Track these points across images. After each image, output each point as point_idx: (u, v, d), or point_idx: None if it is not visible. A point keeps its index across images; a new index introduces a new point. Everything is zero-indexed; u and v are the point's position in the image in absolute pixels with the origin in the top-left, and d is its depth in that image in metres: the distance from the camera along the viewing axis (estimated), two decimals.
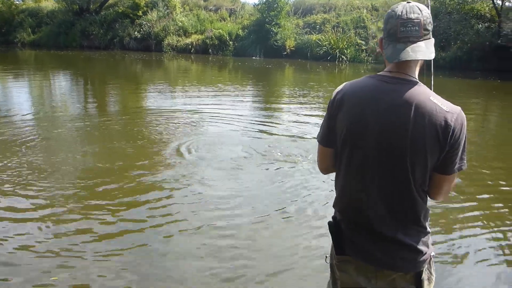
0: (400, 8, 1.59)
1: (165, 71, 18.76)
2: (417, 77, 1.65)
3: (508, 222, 4.34)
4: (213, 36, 23.82)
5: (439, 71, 17.68)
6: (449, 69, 18.18)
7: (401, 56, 1.55)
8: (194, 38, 24.41)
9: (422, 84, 1.61)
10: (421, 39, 1.57)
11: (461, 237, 3.98)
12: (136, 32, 25.46)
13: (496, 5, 19.18)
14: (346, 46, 21.09)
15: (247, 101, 11.10)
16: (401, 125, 1.54)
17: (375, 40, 21.13)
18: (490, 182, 5.48)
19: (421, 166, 1.56)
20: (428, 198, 1.68)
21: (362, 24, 22.20)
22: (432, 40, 1.62)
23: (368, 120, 1.59)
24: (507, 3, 19.75)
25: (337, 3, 24.22)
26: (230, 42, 23.70)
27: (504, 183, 5.45)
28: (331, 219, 1.80)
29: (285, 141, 6.95)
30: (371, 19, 22.47)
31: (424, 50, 1.56)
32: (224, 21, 25.44)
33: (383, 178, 1.61)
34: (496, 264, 3.56)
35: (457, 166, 1.59)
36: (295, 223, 4.12)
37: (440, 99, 1.57)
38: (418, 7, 1.59)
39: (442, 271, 3.37)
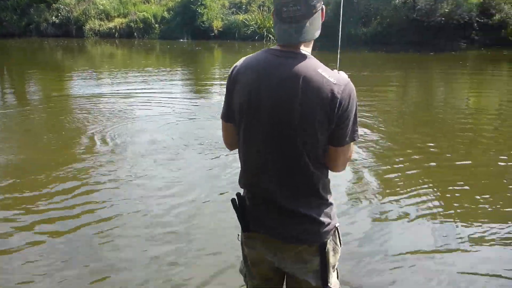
0: None
1: (89, 57, 18.02)
2: (310, 49, 1.64)
3: (439, 179, 4.78)
4: (137, 19, 23.09)
5: (362, 46, 18.50)
6: (371, 44, 19.02)
7: (284, 38, 1.54)
8: (118, 22, 23.53)
9: (312, 57, 1.58)
10: (306, 18, 1.52)
11: (398, 195, 4.32)
12: (53, 17, 24.07)
13: None
14: (272, 25, 21.27)
15: (178, 85, 11.00)
16: (289, 99, 1.52)
17: None
18: (419, 145, 5.95)
19: (312, 140, 1.54)
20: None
21: None
22: (318, 14, 1.56)
23: (261, 95, 1.56)
24: None
25: None
26: (156, 25, 23.12)
27: (432, 144, 5.97)
28: (234, 196, 1.77)
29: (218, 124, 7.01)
30: None
31: (309, 30, 1.53)
32: (148, 3, 24.71)
33: (278, 152, 1.59)
34: (430, 219, 3.91)
35: (348, 137, 1.58)
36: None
37: (328, 71, 1.54)
38: None
39: (379, 229, 3.74)
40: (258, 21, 21.36)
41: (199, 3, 22.07)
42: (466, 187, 4.64)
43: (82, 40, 22.56)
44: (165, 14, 23.33)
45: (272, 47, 1.63)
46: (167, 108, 8.01)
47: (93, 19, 23.57)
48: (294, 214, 1.63)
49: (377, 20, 20.02)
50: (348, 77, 1.58)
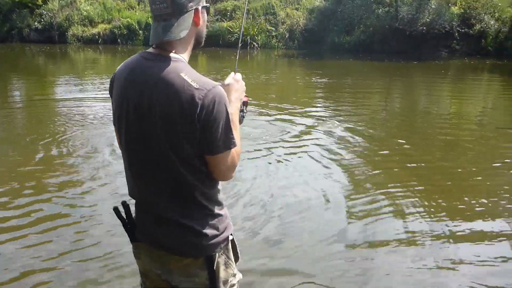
0: None
1: (71, 63, 17.83)
2: (187, 51, 1.58)
3: (417, 179, 4.93)
4: (121, 26, 22.95)
5: (346, 55, 18.67)
6: (354, 52, 19.22)
7: (152, 37, 1.49)
8: (101, 28, 23.36)
9: (181, 60, 1.53)
10: (173, 16, 1.47)
11: (369, 192, 4.36)
12: (36, 23, 23.78)
13: None
14: (257, 32, 21.38)
15: None
16: (150, 106, 1.46)
17: (284, 26, 21.65)
18: (396, 147, 6.06)
19: (180, 148, 1.47)
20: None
21: (272, 11, 22.59)
22: (190, 15, 1.51)
23: (129, 101, 1.51)
24: None
25: None
26: (140, 31, 23.00)
27: (409, 146, 6.18)
28: (119, 204, 1.72)
29: None
30: (281, 5, 22.93)
31: (174, 29, 1.47)
32: (133, 9, 24.59)
33: (150, 162, 1.53)
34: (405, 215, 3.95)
35: (222, 145, 1.50)
36: None
37: (194, 75, 1.48)
38: None
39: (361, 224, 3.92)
40: (243, 28, 21.40)
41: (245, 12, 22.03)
42: (429, 187, 4.89)
43: (65, 46, 22.32)
44: (150, 20, 23.17)
45: (148, 50, 1.57)
46: None
47: (76, 25, 23.36)
48: (175, 225, 1.57)
49: (360, 29, 20.25)
50: (241, 78, 1.60)
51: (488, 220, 4.13)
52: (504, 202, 4.50)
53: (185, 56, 1.57)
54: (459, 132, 7.30)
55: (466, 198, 4.57)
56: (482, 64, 16.85)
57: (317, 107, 9.17)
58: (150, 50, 1.56)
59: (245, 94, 1.82)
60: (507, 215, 4.22)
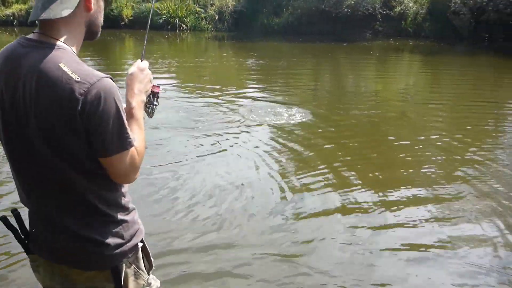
0: None
1: None
2: (74, 35, 1.39)
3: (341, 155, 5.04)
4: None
5: (276, 36, 18.88)
6: (283, 34, 19.45)
7: (31, 15, 1.30)
8: (16, 9, 21.72)
9: (63, 47, 1.32)
10: None
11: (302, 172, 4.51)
12: None
13: None
14: (185, 14, 20.97)
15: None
16: (25, 102, 1.27)
17: (213, 8, 21.41)
18: (328, 126, 6.24)
19: (64, 150, 1.30)
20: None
21: None
22: None
23: (3, 96, 1.32)
24: None
25: None
26: None
27: (341, 123, 6.36)
28: (10, 213, 1.53)
29: None
30: None
31: (55, 6, 1.28)
32: None
33: (33, 165, 1.35)
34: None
35: (116, 146, 1.33)
36: None
37: (75, 66, 1.28)
38: None
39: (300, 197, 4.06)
40: (171, 10, 20.89)
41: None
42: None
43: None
44: None
45: (29, 35, 1.38)
46: None
47: None
48: (73, 236, 1.40)
49: (288, 11, 20.51)
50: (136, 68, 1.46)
51: (414, 188, 4.47)
52: (427, 171, 4.87)
53: (71, 45, 1.36)
54: (386, 108, 7.71)
55: (396, 170, 4.90)
56: (403, 45, 17.78)
57: (250, 88, 9.26)
58: (30, 35, 1.37)
59: (156, 84, 1.67)
60: (431, 182, 4.58)
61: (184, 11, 20.96)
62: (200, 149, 5.39)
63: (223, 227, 3.64)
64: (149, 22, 2.16)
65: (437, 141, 5.80)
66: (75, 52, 1.37)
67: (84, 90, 1.23)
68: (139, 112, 1.50)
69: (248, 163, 4.97)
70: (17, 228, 1.51)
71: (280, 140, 5.77)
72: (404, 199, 4.26)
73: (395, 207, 4.07)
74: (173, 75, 11.03)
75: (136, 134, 1.44)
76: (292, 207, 4.03)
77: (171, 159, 5.03)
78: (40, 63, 1.26)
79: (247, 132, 6.04)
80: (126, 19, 21.33)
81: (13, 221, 1.51)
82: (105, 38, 18.20)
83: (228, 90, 8.71)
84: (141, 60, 1.60)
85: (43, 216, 1.44)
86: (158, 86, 1.68)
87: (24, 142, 1.33)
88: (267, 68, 11.98)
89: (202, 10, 21.52)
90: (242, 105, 7.49)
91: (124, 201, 1.49)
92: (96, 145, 1.30)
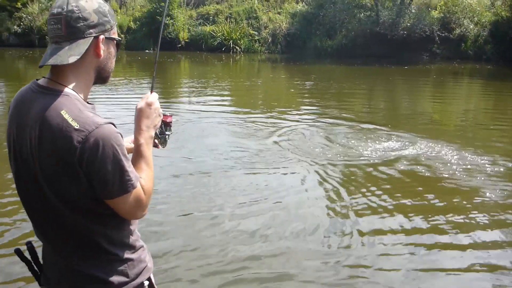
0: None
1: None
2: (82, 84, 1.41)
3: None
4: None
5: (330, 59, 18.78)
6: (337, 56, 19.33)
7: (41, 61, 1.34)
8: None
9: (68, 93, 1.35)
10: (66, 40, 1.33)
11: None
12: (15, 26, 23.33)
13: None
14: (239, 36, 21.35)
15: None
16: (32, 146, 1.32)
17: (267, 30, 21.67)
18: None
19: (69, 194, 1.33)
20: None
21: (254, 15, 22.60)
22: (86, 42, 1.34)
23: (13, 138, 1.38)
24: None
25: None
26: (122, 35, 22.74)
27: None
28: (24, 246, 1.55)
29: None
30: (263, 9, 22.97)
31: (63, 53, 1.31)
32: (115, 13, 24.22)
33: (39, 206, 1.39)
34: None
35: (118, 189, 1.34)
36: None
37: (77, 113, 1.30)
38: (90, 0, 1.36)
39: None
40: (225, 32, 21.37)
41: (166, 14, 21.90)
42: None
43: (45, 50, 21.87)
44: (132, 24, 23.02)
45: (41, 79, 1.42)
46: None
47: None
48: (79, 273, 1.42)
49: (342, 33, 20.38)
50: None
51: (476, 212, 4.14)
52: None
53: (79, 90, 1.39)
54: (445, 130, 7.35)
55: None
56: (462, 68, 17.12)
57: (303, 110, 9.15)
58: (41, 80, 1.40)
59: (168, 114, 1.68)
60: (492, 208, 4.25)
61: (238, 34, 21.35)
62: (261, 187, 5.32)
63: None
64: (158, 51, 2.12)
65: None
66: (83, 97, 1.40)
67: (82, 138, 1.26)
68: (147, 149, 1.51)
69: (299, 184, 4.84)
70: (31, 260, 1.53)
71: (326, 163, 5.58)
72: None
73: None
74: (227, 97, 11.15)
75: (144, 172, 1.46)
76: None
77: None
78: (44, 110, 1.30)
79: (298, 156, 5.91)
80: (183, 41, 22.02)
81: (23, 255, 1.55)
82: (163, 60, 18.84)
83: (281, 112, 8.65)
84: (151, 92, 1.59)
85: (52, 251, 1.47)
86: (170, 116, 1.69)
87: (31, 185, 1.36)
88: (320, 90, 11.87)
89: (255, 32, 21.85)
90: (293, 125, 7.39)
91: (131, 239, 1.50)
92: (99, 189, 1.33)
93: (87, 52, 1.35)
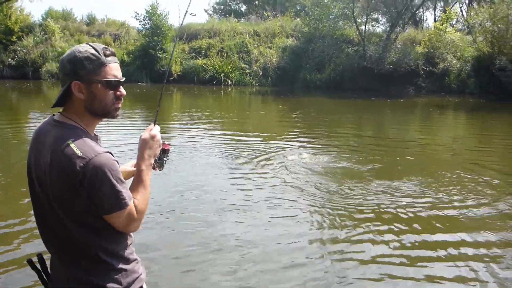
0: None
1: (45, 99, 17.74)
2: (83, 118, 1.68)
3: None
4: None
5: (317, 91, 19.26)
6: (326, 89, 19.86)
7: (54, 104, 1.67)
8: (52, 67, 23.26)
9: (74, 126, 1.64)
10: (63, 84, 1.64)
11: None
12: (10, 59, 23.71)
13: (360, 31, 21.45)
14: (230, 70, 21.87)
15: (137, 128, 11.02)
16: (44, 170, 1.59)
17: (258, 63, 22.24)
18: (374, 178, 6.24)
19: (72, 210, 1.59)
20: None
21: (246, 49, 23.22)
22: (65, 87, 1.62)
23: (32, 162, 1.67)
24: (370, 27, 22.30)
25: (221, 29, 25.07)
26: None
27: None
28: (35, 257, 1.81)
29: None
30: (254, 43, 23.62)
31: (57, 97, 1.64)
32: (109, 46, 24.74)
33: (47, 220, 1.66)
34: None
35: (113, 206, 1.60)
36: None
37: (79, 143, 1.57)
38: (72, 50, 1.64)
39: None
40: (217, 66, 21.88)
41: (158, 48, 22.44)
42: None
43: (38, 83, 22.21)
44: (125, 57, 23.48)
45: (59, 113, 1.71)
46: (125, 147, 8.02)
47: (50, 61, 23.38)
48: (79, 280, 1.66)
49: (331, 67, 20.99)
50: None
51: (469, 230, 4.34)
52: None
53: (84, 124, 1.67)
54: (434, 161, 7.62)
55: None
56: (446, 101, 17.65)
57: (292, 141, 9.42)
58: (57, 115, 1.70)
59: (167, 142, 1.95)
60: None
61: (229, 67, 21.87)
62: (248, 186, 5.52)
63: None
64: (163, 87, 2.39)
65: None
66: (88, 129, 1.69)
67: (83, 164, 1.53)
68: (147, 174, 1.77)
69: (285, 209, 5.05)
70: (40, 270, 1.78)
71: (315, 190, 5.79)
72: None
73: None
74: (217, 127, 11.43)
75: (140, 194, 1.72)
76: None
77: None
78: (55, 140, 1.59)
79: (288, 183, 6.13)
80: (175, 74, 22.46)
81: (34, 265, 1.79)
82: (156, 92, 19.20)
83: (271, 143, 8.91)
84: (154, 125, 1.87)
85: (57, 261, 1.72)
86: (168, 144, 1.96)
87: (45, 203, 1.63)
88: (309, 122, 12.21)
89: (247, 66, 22.40)
90: (283, 156, 7.64)
91: (126, 252, 1.75)
92: (98, 206, 1.59)
93: (72, 95, 1.64)
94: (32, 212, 1.78)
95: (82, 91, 1.63)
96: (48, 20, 25.09)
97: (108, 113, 1.72)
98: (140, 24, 23.75)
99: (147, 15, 22.94)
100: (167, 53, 22.57)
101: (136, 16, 23.49)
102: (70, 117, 1.66)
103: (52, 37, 24.43)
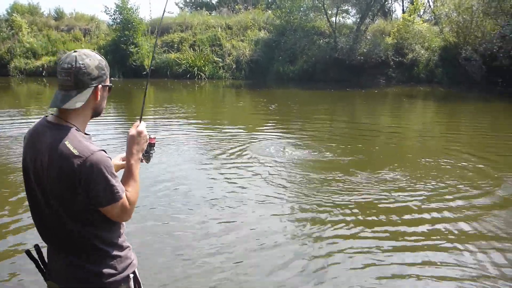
0: (64, 56, 1.79)
1: (14, 96, 17.40)
2: (81, 117, 1.82)
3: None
4: None
5: (291, 83, 19.47)
6: (298, 81, 20.07)
7: (52, 102, 1.75)
8: (46, 60, 22.88)
9: (71, 127, 1.76)
10: (74, 89, 1.74)
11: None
12: None
13: (331, 22, 21.72)
14: (204, 63, 21.81)
15: (113, 123, 10.98)
16: (43, 169, 1.73)
17: (230, 57, 22.27)
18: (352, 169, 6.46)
19: (69, 204, 1.73)
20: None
21: (218, 42, 23.17)
22: (89, 91, 1.76)
23: (28, 160, 1.79)
24: (340, 19, 22.62)
25: (193, 22, 24.87)
26: None
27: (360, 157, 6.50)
28: (32, 247, 1.97)
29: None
30: (226, 37, 23.60)
31: (72, 99, 1.72)
32: (79, 41, 24.32)
33: (47, 212, 1.79)
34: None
35: (108, 199, 1.75)
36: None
37: (76, 143, 1.71)
38: (77, 57, 1.74)
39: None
40: (190, 60, 21.80)
41: (129, 43, 22.18)
42: None
43: (6, 79, 21.67)
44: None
45: (51, 115, 1.84)
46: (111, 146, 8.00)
47: (18, 57, 22.83)
48: (77, 267, 1.81)
49: (303, 59, 21.20)
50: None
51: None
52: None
53: (78, 124, 1.80)
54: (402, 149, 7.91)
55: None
56: (416, 91, 18.15)
57: (267, 131, 9.59)
58: (50, 117, 1.82)
59: (153, 136, 2.10)
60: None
61: (202, 61, 21.82)
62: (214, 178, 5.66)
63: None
64: (147, 84, 2.50)
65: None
66: (81, 130, 1.80)
67: (80, 162, 1.67)
68: (136, 168, 1.93)
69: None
70: (38, 259, 1.93)
71: (289, 181, 5.99)
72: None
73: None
74: (192, 120, 11.49)
75: (131, 187, 1.87)
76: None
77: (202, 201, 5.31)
78: (53, 140, 1.71)
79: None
80: (148, 69, 22.22)
81: (32, 255, 1.94)
82: (128, 87, 19.04)
83: (246, 134, 9.05)
84: (140, 121, 2.01)
85: (54, 253, 1.87)
86: (154, 138, 2.11)
87: (41, 197, 1.78)
88: (283, 113, 12.41)
89: (220, 59, 22.38)
90: (256, 146, 7.79)
91: (119, 240, 1.90)
92: (93, 200, 1.73)
93: (88, 97, 1.78)
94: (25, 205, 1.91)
95: (100, 94, 1.81)
96: (14, 15, 24.39)
97: (101, 112, 1.92)
98: (110, 18, 23.38)
99: (117, 9, 22.59)
100: (139, 47, 22.32)
101: (106, 10, 23.13)
102: (66, 119, 1.77)
103: (20, 33, 23.74)
